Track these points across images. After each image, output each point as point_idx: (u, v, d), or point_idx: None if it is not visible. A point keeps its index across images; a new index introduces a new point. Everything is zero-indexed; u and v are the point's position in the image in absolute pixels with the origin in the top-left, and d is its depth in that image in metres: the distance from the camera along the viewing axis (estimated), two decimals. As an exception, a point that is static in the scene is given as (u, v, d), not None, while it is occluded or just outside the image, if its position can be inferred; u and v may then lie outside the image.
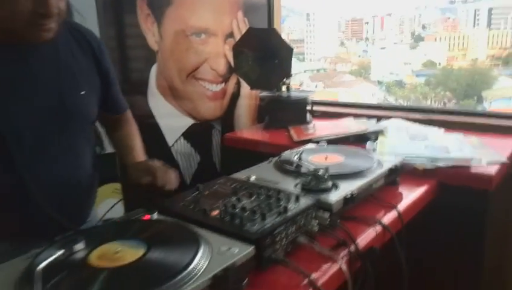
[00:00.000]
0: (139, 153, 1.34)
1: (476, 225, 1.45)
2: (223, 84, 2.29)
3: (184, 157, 2.13)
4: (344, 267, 0.97)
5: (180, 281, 0.76)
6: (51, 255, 0.78)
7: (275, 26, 2.53)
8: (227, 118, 2.36)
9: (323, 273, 0.94)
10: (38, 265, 0.75)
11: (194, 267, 0.79)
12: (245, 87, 2.37)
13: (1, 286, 0.79)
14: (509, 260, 1.94)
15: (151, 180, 1.19)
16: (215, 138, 2.29)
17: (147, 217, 1.03)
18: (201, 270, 0.79)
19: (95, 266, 0.81)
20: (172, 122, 2.05)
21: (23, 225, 1.07)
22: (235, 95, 2.39)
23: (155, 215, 1.03)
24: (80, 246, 0.84)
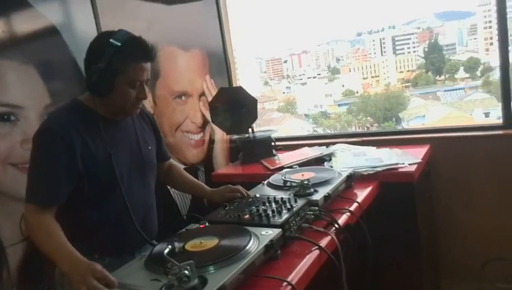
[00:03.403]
0: (203, 184, 1.94)
1: (408, 207, 2.09)
2: (201, 134, 2.83)
3: (180, 196, 2.61)
4: (334, 237, 1.53)
5: (247, 250, 1.28)
6: (165, 249, 1.27)
7: (233, 82, 3.15)
8: (208, 160, 2.88)
9: (323, 242, 1.49)
10: (162, 253, 1.24)
11: (252, 243, 1.32)
12: (218, 134, 2.94)
13: (136, 270, 1.28)
14: (437, 227, 2.65)
15: (241, 195, 1.78)
16: (200, 178, 2.79)
17: (202, 226, 1.54)
18: (257, 244, 1.32)
19: (192, 251, 1.31)
20: (167, 168, 2.52)
21: (119, 241, 1.52)
22: (211, 142, 2.93)
23: (207, 224, 1.55)
24: (177, 244, 1.34)
